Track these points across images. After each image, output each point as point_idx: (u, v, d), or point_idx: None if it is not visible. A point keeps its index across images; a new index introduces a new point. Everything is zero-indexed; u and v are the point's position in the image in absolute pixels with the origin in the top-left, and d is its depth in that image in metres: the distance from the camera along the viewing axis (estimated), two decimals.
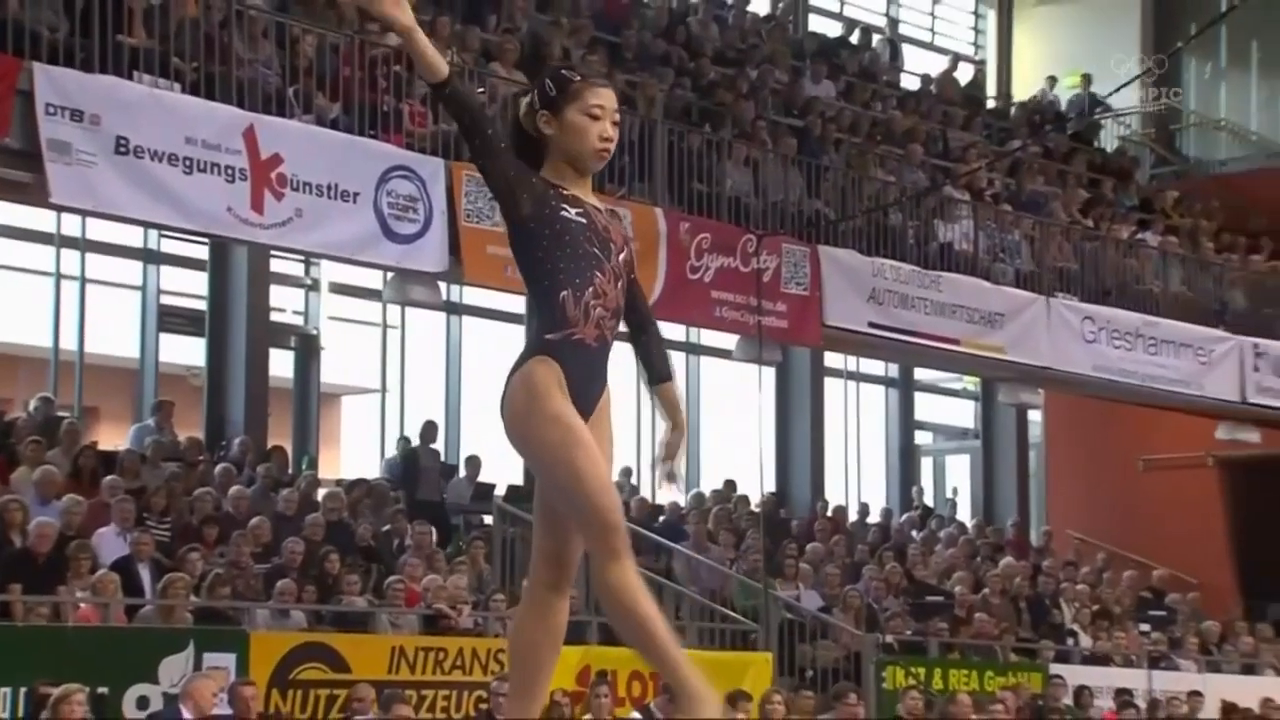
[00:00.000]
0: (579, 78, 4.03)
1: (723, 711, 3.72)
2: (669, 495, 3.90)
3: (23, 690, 9.81)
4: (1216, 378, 17.83)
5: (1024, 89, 23.18)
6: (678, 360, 18.81)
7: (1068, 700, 14.66)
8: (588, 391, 4.00)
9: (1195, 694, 15.52)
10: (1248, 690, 16.39)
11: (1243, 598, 19.73)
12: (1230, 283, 18.97)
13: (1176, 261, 18.74)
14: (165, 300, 15.08)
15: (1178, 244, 19.28)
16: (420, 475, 15.01)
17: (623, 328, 4.10)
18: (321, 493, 13.33)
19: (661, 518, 15.86)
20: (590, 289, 3.94)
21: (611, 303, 4.01)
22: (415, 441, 15.36)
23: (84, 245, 14.47)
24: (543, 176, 3.97)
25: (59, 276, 14.51)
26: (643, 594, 3.89)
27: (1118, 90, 20.53)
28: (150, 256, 14.96)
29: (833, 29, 21.71)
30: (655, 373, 4.23)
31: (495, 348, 17.31)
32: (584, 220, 3.95)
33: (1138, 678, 15.68)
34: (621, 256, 4.03)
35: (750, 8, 19.99)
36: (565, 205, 3.93)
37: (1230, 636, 17.90)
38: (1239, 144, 23.69)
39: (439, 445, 16.48)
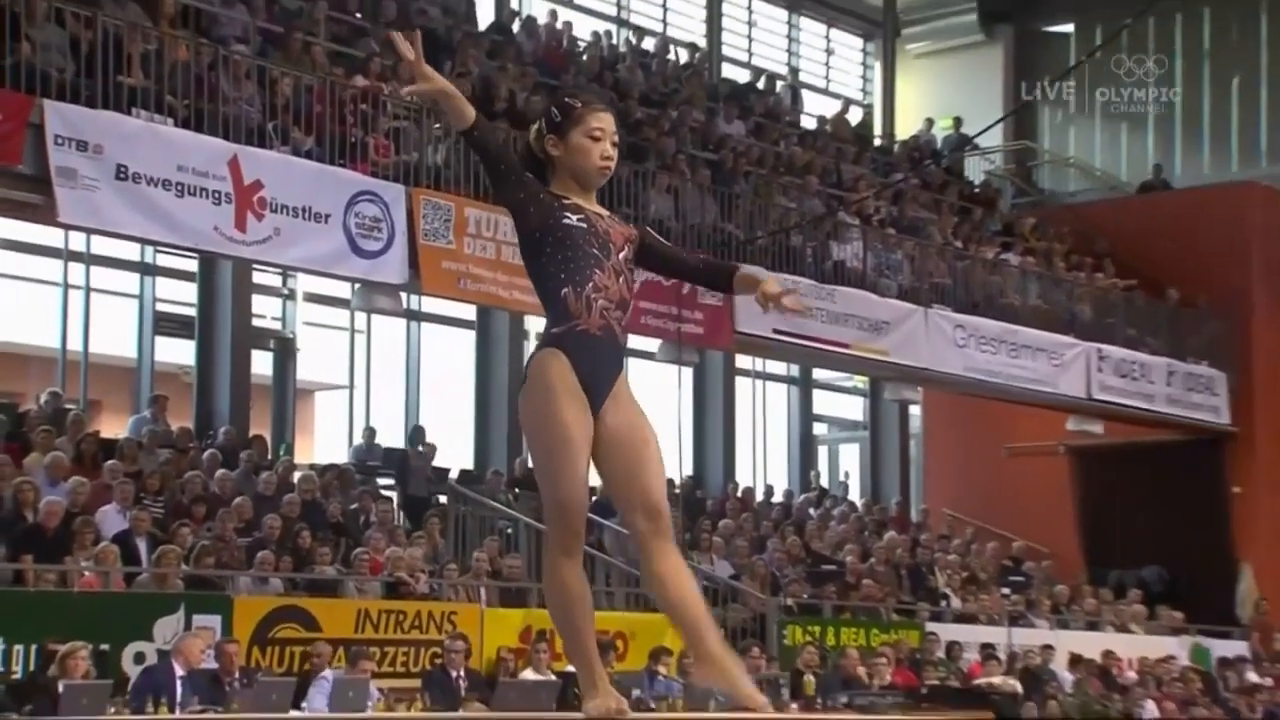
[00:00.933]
0: (580, 104, 3.97)
1: (607, 708, 3.70)
2: (801, 307, 3.64)
3: (34, 647, 9.75)
4: (1067, 378, 17.99)
5: (905, 129, 23.35)
6: None
7: (940, 654, 14.77)
8: (598, 376, 3.88)
9: (1047, 647, 15.67)
10: (1091, 644, 16.60)
11: (1087, 566, 19.89)
12: (1078, 297, 19.15)
13: (1034, 278, 18.90)
14: (160, 307, 14.96)
15: (1035, 263, 19.46)
16: (410, 473, 14.87)
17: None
18: (297, 476, 13.24)
19: (594, 497, 15.80)
20: (591, 284, 3.85)
21: (615, 295, 3.90)
22: (405, 444, 15.26)
23: (88, 259, 14.38)
24: (550, 190, 3.91)
25: (66, 286, 14.37)
26: (573, 591, 3.87)
27: (984, 131, 20.77)
28: (146, 269, 14.84)
29: (742, 76, 21.78)
30: (723, 275, 4.10)
31: (449, 350, 17.30)
32: (584, 225, 3.88)
33: (999, 634, 15.80)
34: (622, 254, 3.94)
35: (670, 57, 20.02)
36: (567, 213, 3.86)
37: (1077, 598, 18.08)
38: (1085, 178, 23.94)
39: (400, 437, 16.46)
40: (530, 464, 4.05)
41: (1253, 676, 17.50)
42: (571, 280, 3.84)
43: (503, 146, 3.94)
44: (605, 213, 3.98)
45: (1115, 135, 24.44)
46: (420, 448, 15.28)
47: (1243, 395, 19.89)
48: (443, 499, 15.03)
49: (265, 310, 15.73)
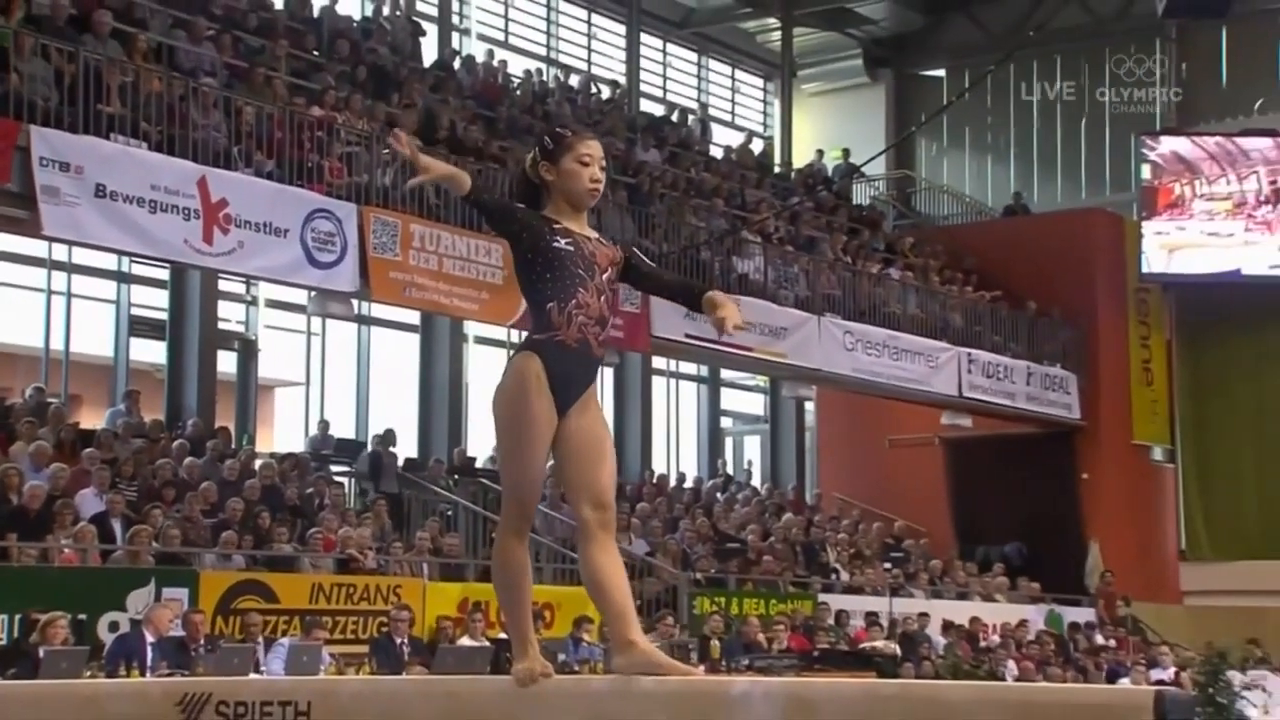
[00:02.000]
0: (571, 133, 3.88)
1: (532, 671, 3.60)
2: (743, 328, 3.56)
3: (17, 616, 9.55)
4: (941, 378, 18.15)
5: (800, 159, 23.47)
6: None
7: (831, 621, 14.83)
8: (568, 384, 3.75)
9: (923, 615, 15.75)
10: (961, 611, 16.73)
11: (958, 543, 20.06)
12: (950, 307, 19.33)
13: (912, 291, 19.05)
14: (134, 311, 14.74)
15: (913, 277, 19.61)
16: (383, 471, 14.57)
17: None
18: (257, 463, 13.07)
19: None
20: (574, 301, 3.75)
21: (595, 312, 3.78)
22: (378, 445, 14.89)
23: (69, 268, 14.14)
24: (543, 215, 3.81)
25: (49, 292, 14.14)
26: (518, 568, 3.79)
27: (869, 161, 20.98)
28: (122, 277, 14.60)
29: (658, 110, 21.79)
30: (694, 295, 3.93)
31: (395, 351, 17.16)
32: (572, 248, 3.77)
33: (882, 604, 15.89)
34: (606, 275, 3.83)
35: (594, 92, 19.98)
36: (557, 238, 3.76)
37: (949, 572, 18.21)
38: (956, 203, 24.17)
39: (351, 429, 16.31)
40: (495, 452, 3.93)
41: (1099, 639, 17.76)
42: (557, 296, 3.75)
43: (498, 200, 3.87)
44: (594, 235, 3.88)
45: (981, 166, 24.72)
46: (392, 448, 14.93)
47: (1090, 394, 20.18)
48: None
49: (230, 315, 15.52)
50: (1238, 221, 21.02)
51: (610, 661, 3.62)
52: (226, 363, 15.28)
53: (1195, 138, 21.58)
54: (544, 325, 3.77)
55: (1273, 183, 21.04)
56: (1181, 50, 22.68)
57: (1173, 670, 13.89)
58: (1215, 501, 21.30)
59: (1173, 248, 21.08)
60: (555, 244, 3.77)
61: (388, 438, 14.98)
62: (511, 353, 3.88)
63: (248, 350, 15.58)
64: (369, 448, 15.14)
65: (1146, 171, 21.30)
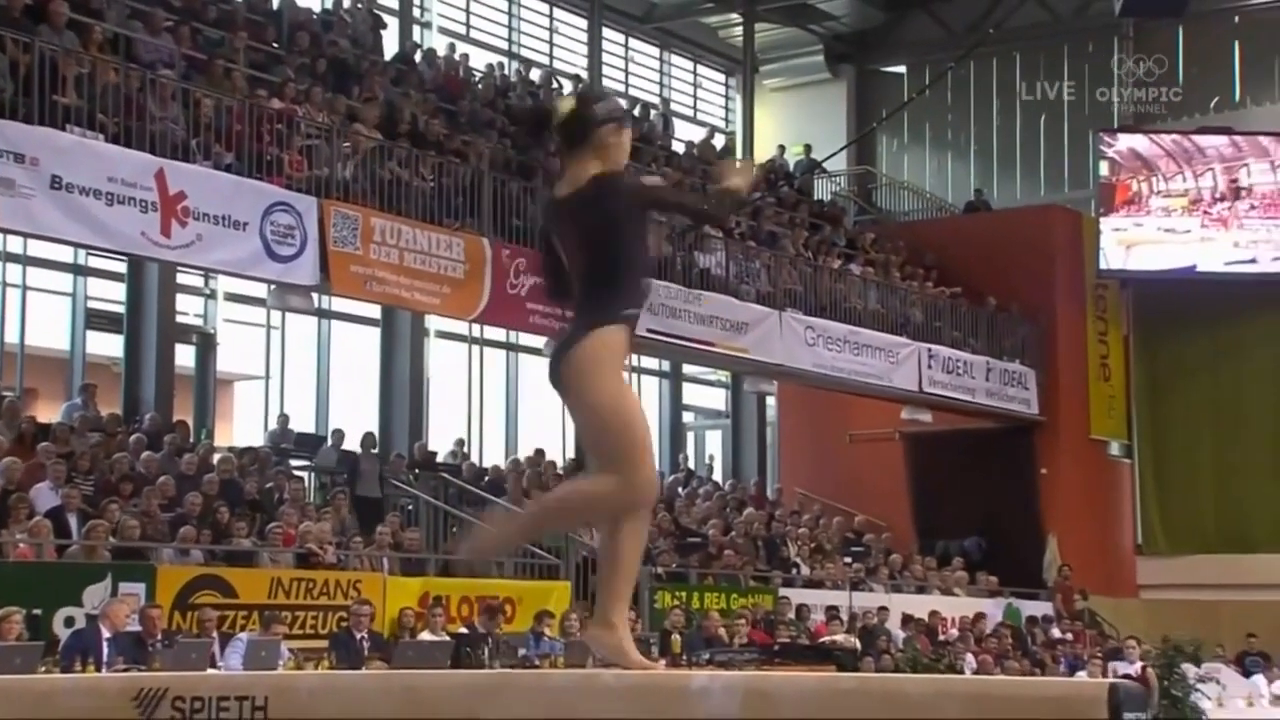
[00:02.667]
0: (624, 111, 4.00)
1: (611, 645, 3.54)
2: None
3: None
4: (901, 373, 18.23)
5: (762, 154, 23.50)
6: (498, 357, 18.74)
7: (791, 615, 14.88)
8: None
9: (883, 609, 15.85)
10: (920, 605, 16.85)
11: (918, 537, 20.15)
12: (911, 303, 19.42)
13: (873, 286, 19.12)
14: (91, 305, 14.58)
15: (874, 273, 19.69)
16: (360, 475, 14.29)
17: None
18: (216, 458, 12.98)
19: (486, 477, 15.75)
20: (647, 273, 3.73)
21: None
22: (356, 448, 14.66)
23: (25, 260, 13.97)
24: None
25: (5, 285, 13.96)
26: (638, 542, 3.67)
27: (830, 157, 21.04)
28: (78, 270, 14.44)
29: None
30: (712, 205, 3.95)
31: (356, 345, 17.08)
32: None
33: (842, 598, 15.97)
34: None
35: (556, 87, 19.93)
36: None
37: (908, 566, 18.31)
38: (917, 200, 24.30)
39: (311, 424, 16.22)
40: (589, 421, 3.43)
41: (1056, 632, 17.90)
42: (643, 269, 3.67)
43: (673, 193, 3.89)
44: None
45: (942, 162, 24.84)
46: (373, 450, 14.69)
47: (1049, 389, 20.32)
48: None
49: (188, 308, 15.40)
50: (1194, 218, 21.23)
51: (583, 632, 3.60)
52: (185, 356, 15.16)
53: (1152, 135, 21.78)
54: (633, 298, 3.63)
55: (1229, 180, 21.26)
56: (1139, 49, 22.86)
57: (1139, 665, 14.02)
58: (1171, 496, 21.52)
59: (1130, 244, 21.27)
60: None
61: (367, 441, 14.71)
62: (591, 322, 3.61)
63: (206, 344, 15.47)
64: (331, 446, 15.04)
65: (1104, 168, 21.47)
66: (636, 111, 21.24)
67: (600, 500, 3.63)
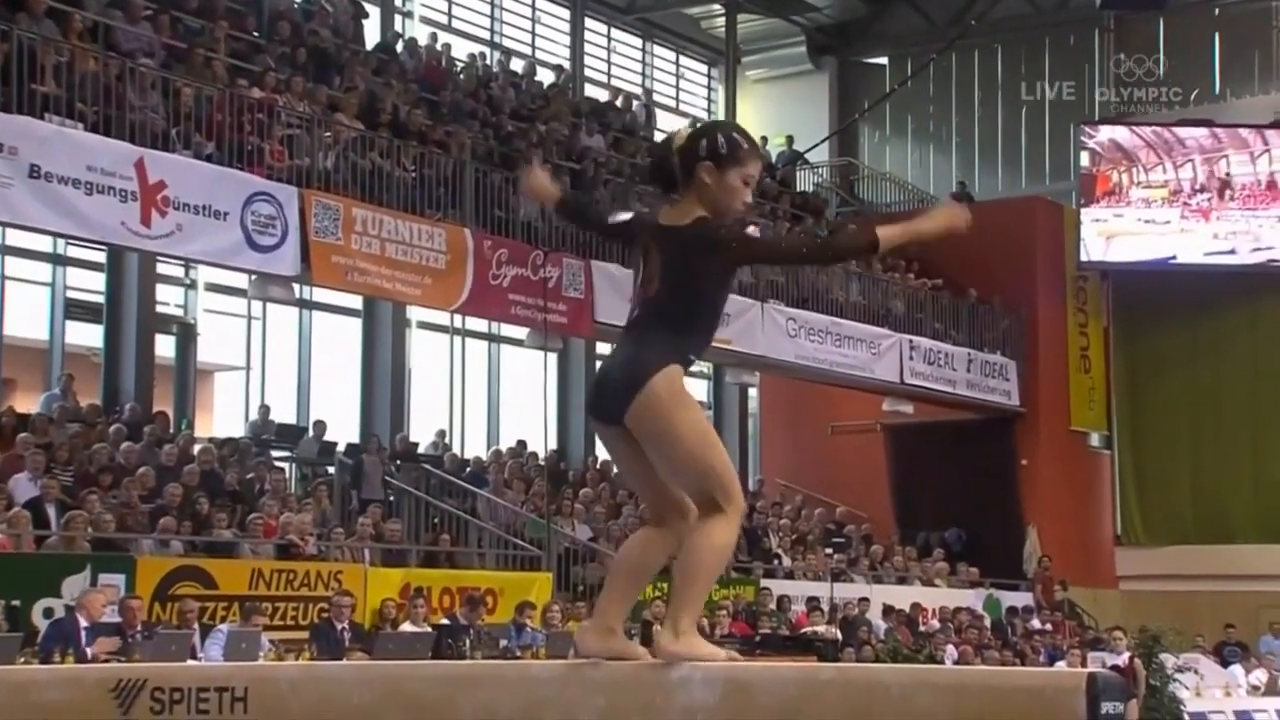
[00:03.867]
0: (747, 146, 3.59)
1: (693, 652, 3.44)
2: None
3: None
4: (883, 365, 18.27)
5: None
6: (480, 348, 18.70)
7: (773, 606, 14.91)
8: None
9: (864, 600, 15.87)
10: (901, 596, 16.90)
11: (899, 528, 20.21)
12: (893, 295, 19.45)
13: (855, 278, 19.14)
14: (70, 294, 14.51)
15: (855, 265, 19.69)
16: (364, 477, 14.19)
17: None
18: (196, 448, 12.94)
19: (468, 468, 15.74)
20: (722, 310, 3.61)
21: None
22: (344, 442, 14.70)
23: (3, 249, 13.90)
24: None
25: None
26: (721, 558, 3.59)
27: (813, 148, 21.05)
28: (58, 259, 14.37)
29: (602, 95, 21.74)
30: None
31: (337, 335, 17.03)
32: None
33: (824, 589, 15.99)
34: None
35: (538, 77, 19.91)
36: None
37: (889, 557, 18.36)
38: (899, 191, 24.30)
39: (293, 414, 16.16)
40: (679, 458, 3.46)
41: (1035, 623, 17.98)
42: (719, 307, 3.58)
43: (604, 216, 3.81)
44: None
45: (924, 154, 24.86)
46: (373, 455, 14.44)
47: (1029, 381, 20.39)
48: (331, 469, 14.80)
49: (169, 298, 15.33)
50: (1174, 209, 21.31)
51: (657, 648, 3.49)
52: (165, 347, 15.09)
53: (1133, 127, 21.85)
54: (701, 346, 3.55)
55: (1208, 172, 21.35)
56: (1120, 41, 22.93)
57: (1126, 655, 14.07)
58: (1149, 487, 21.62)
59: (1110, 234, 21.34)
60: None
61: (372, 441, 14.50)
62: (655, 359, 3.52)
63: (187, 334, 15.40)
64: (312, 437, 15.03)
65: (1085, 159, 21.53)
66: (619, 102, 21.26)
67: (728, 544, 3.57)
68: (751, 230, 3.68)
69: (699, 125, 3.80)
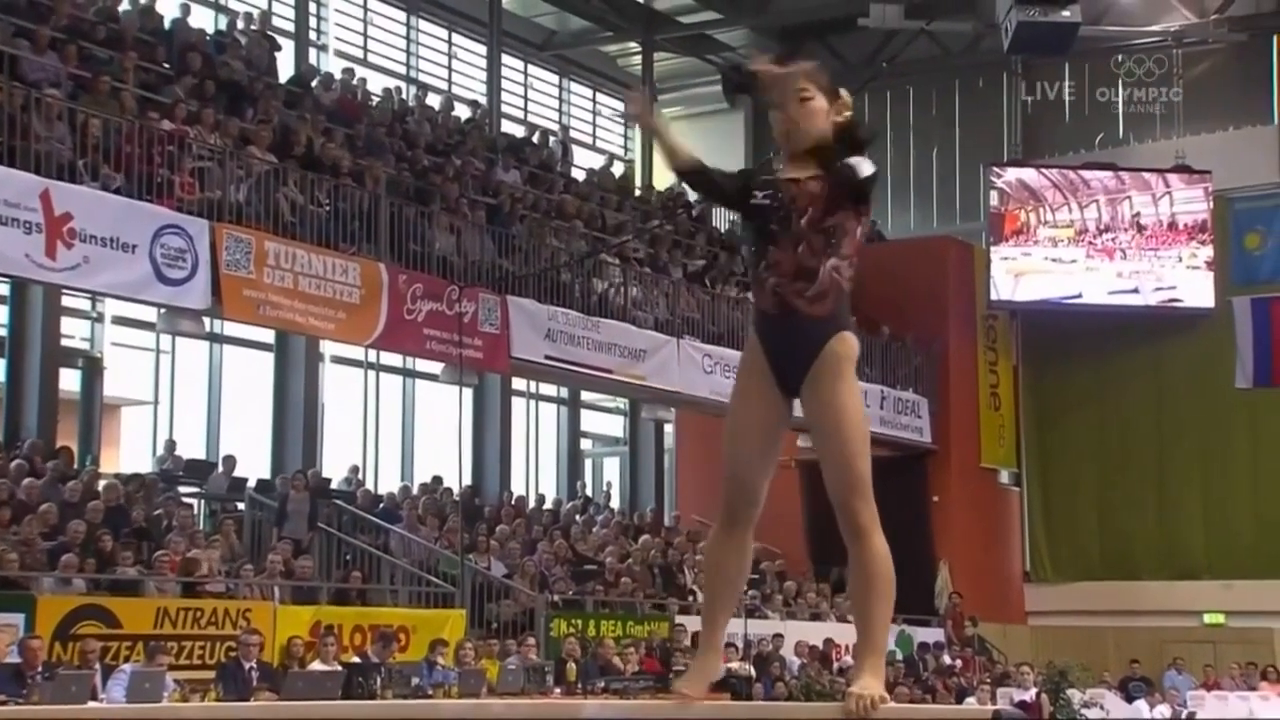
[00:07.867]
0: (755, 72, 3.59)
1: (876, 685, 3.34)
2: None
3: None
4: (798, 403, 18.34)
5: (661, 182, 23.64)
6: (395, 383, 18.57)
7: (688, 643, 14.87)
8: (784, 354, 3.51)
9: (778, 636, 15.94)
10: (815, 632, 16.96)
11: (812, 564, 20.29)
12: None
13: None
14: None
15: None
16: (288, 516, 13.78)
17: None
18: (101, 484, 12.67)
19: (380, 504, 15.57)
20: (764, 263, 3.44)
21: (789, 268, 3.41)
22: (285, 485, 14.22)
23: None
24: (748, 170, 3.61)
25: None
26: (713, 564, 3.59)
27: None
28: None
29: (519, 131, 21.78)
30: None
31: (248, 370, 16.82)
32: (767, 202, 3.44)
33: (738, 625, 15.95)
34: (805, 219, 3.42)
35: (454, 112, 19.90)
36: (755, 192, 3.46)
37: (803, 593, 18.43)
38: None
39: (202, 449, 15.91)
40: (839, 437, 3.82)
41: (946, 659, 18.13)
42: (757, 263, 3.46)
43: (719, 174, 3.61)
44: (806, 173, 3.45)
45: None
46: (300, 491, 14.01)
47: (940, 418, 20.64)
48: (240, 505, 14.57)
49: (74, 331, 15.05)
50: (1079, 248, 21.78)
51: (851, 690, 3.38)
52: (70, 381, 14.81)
53: (1040, 168, 22.32)
54: (755, 297, 3.51)
55: (1112, 212, 21.85)
56: (1027, 85, 23.43)
57: (1033, 691, 14.24)
58: (1057, 524, 21.96)
59: (1019, 272, 21.74)
60: (753, 201, 3.48)
61: (300, 479, 14.14)
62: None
63: (93, 368, 15.12)
64: (221, 472, 14.81)
65: (994, 199, 21.95)
66: (535, 138, 21.30)
67: (887, 552, 3.54)
68: None
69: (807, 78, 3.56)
